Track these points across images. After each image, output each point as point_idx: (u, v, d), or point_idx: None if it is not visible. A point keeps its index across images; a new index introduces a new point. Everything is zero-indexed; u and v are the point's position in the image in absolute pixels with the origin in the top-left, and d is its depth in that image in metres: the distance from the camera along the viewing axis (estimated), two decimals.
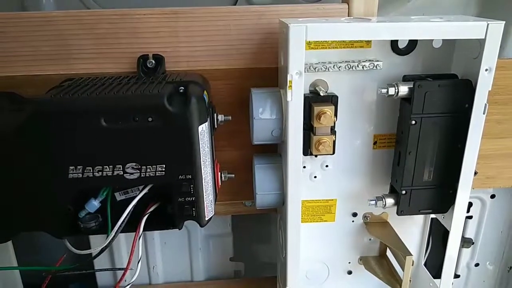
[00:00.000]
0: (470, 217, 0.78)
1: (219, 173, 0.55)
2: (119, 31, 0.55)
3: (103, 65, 0.56)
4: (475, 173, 0.54)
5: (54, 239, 0.77)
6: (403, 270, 0.58)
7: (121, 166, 0.45)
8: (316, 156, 0.57)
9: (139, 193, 0.49)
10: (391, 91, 0.51)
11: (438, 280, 0.60)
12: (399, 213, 0.56)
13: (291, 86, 0.47)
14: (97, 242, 0.68)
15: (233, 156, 0.62)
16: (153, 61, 0.55)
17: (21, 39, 0.54)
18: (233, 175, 0.57)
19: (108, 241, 0.47)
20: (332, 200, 0.61)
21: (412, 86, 0.50)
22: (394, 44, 0.54)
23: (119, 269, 0.54)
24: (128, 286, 0.50)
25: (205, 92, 0.48)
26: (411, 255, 0.56)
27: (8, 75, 0.55)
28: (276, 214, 0.66)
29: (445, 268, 0.58)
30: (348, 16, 0.57)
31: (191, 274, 0.78)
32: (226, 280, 0.77)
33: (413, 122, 0.51)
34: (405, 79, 0.54)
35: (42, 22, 0.54)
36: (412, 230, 0.65)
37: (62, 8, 0.62)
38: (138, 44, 0.55)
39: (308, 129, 0.53)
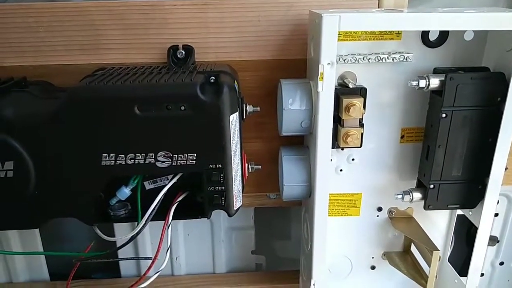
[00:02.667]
0: (496, 215, 0.77)
1: (246, 164, 0.55)
2: (149, 21, 0.55)
3: (133, 55, 0.56)
4: (506, 168, 0.53)
5: (78, 229, 0.78)
6: (428, 266, 0.58)
7: (153, 154, 0.46)
8: (342, 149, 0.57)
9: (169, 181, 0.49)
10: (422, 83, 0.50)
11: (462, 278, 0.59)
12: (427, 207, 0.55)
13: (322, 76, 0.47)
14: (121, 231, 0.70)
15: (258, 148, 0.63)
16: (183, 52, 0.56)
17: (54, 29, 0.55)
18: (260, 167, 0.57)
19: (139, 229, 0.48)
20: (357, 194, 0.61)
21: (443, 78, 0.50)
22: (424, 36, 0.53)
23: (146, 258, 0.54)
24: (156, 275, 0.51)
25: (235, 82, 0.49)
26: (438, 250, 0.56)
27: (41, 64, 0.56)
28: (299, 207, 0.66)
29: (472, 266, 0.58)
30: (379, 8, 0.57)
31: (213, 266, 0.78)
32: (248, 273, 0.77)
33: (444, 115, 0.51)
34: (436, 71, 0.53)
35: (75, 12, 0.54)
36: (437, 226, 0.64)
37: None
38: (168, 34, 0.56)
39: (336, 122, 0.52)
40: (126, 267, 0.77)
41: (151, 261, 0.70)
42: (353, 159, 0.58)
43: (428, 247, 0.57)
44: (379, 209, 0.62)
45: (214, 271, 0.78)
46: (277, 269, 0.81)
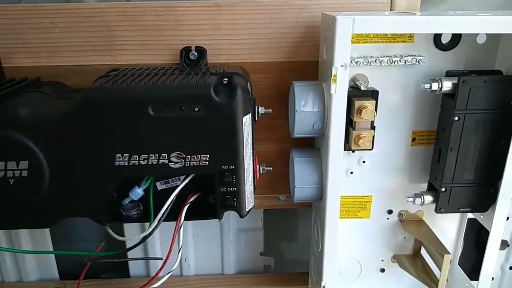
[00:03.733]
0: (507, 218, 0.76)
1: (258, 166, 0.55)
2: (163, 23, 0.56)
3: (146, 57, 0.57)
4: None
5: (87, 229, 0.79)
6: (439, 269, 0.57)
7: (166, 155, 0.46)
8: (353, 151, 0.57)
9: (181, 182, 0.49)
10: (435, 86, 0.50)
11: (472, 281, 0.59)
12: (438, 210, 0.55)
13: (335, 79, 0.47)
14: (130, 231, 0.70)
15: (269, 149, 0.63)
16: (196, 53, 0.56)
17: (68, 30, 0.55)
18: (271, 168, 0.57)
19: (151, 229, 0.48)
20: (368, 196, 0.61)
21: (456, 81, 0.49)
22: (437, 39, 0.53)
23: (157, 258, 0.54)
24: (167, 275, 0.51)
25: (248, 83, 0.49)
26: (449, 253, 0.56)
27: (55, 64, 0.57)
28: (308, 209, 0.66)
29: (483, 270, 0.57)
30: (391, 10, 0.57)
31: (221, 267, 0.78)
32: (257, 275, 0.77)
33: (456, 118, 0.50)
34: (448, 74, 0.53)
35: (89, 14, 0.55)
36: (447, 230, 0.64)
37: (104, 1, 0.63)
38: (181, 36, 0.56)
39: (347, 124, 0.52)
40: (135, 267, 0.77)
41: (160, 261, 0.70)
42: (364, 162, 0.58)
43: (439, 250, 0.57)
44: (390, 211, 0.62)
45: (222, 272, 0.78)
46: (285, 271, 0.81)
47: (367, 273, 0.66)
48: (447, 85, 0.50)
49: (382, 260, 0.65)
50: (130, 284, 0.74)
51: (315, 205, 0.63)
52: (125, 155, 0.46)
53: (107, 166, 0.46)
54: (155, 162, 0.46)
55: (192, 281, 0.76)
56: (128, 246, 0.66)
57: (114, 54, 0.57)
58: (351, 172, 0.59)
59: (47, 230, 0.72)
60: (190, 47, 0.56)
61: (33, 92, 0.49)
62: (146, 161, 0.46)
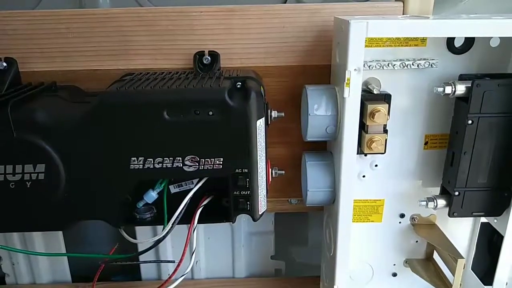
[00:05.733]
0: None
1: (270, 169, 0.55)
2: (176, 28, 0.56)
3: (160, 61, 0.57)
4: None
5: (99, 232, 0.79)
6: (452, 274, 0.57)
7: (180, 158, 0.46)
8: (365, 155, 0.57)
9: (195, 185, 0.50)
10: (448, 89, 0.50)
11: (486, 286, 0.58)
12: (451, 214, 0.55)
13: (349, 82, 0.47)
14: (142, 234, 0.70)
15: (281, 153, 0.63)
16: (209, 58, 0.56)
17: (83, 35, 0.56)
18: (283, 172, 0.58)
19: (166, 232, 0.48)
20: (380, 200, 0.61)
21: (469, 85, 0.49)
22: (450, 42, 0.53)
23: (170, 261, 0.55)
24: (181, 278, 0.51)
25: (262, 87, 0.49)
26: (463, 258, 0.55)
27: (70, 69, 0.57)
28: (318, 212, 0.66)
29: (497, 275, 0.57)
30: (403, 14, 0.57)
31: (232, 270, 0.78)
32: (268, 278, 0.77)
33: (470, 122, 0.50)
34: (462, 78, 0.53)
35: (104, 19, 0.55)
36: (459, 234, 0.64)
37: (117, 6, 0.64)
38: (194, 41, 0.57)
39: (360, 128, 0.52)
40: (147, 270, 0.77)
41: (171, 264, 0.71)
42: (376, 165, 0.58)
43: (453, 255, 0.56)
44: (402, 215, 0.62)
45: (233, 275, 0.78)
46: (296, 275, 0.81)
47: (379, 277, 0.65)
48: (461, 88, 0.50)
49: (394, 265, 0.65)
50: (141, 287, 0.74)
51: (326, 209, 0.63)
52: (140, 158, 0.46)
53: (122, 170, 0.47)
54: (169, 166, 0.47)
55: (203, 284, 0.76)
56: (141, 249, 0.67)
57: (128, 58, 0.57)
58: (363, 176, 0.59)
59: (60, 233, 0.73)
60: (204, 51, 0.57)
61: (49, 96, 0.50)
62: (160, 164, 0.46)
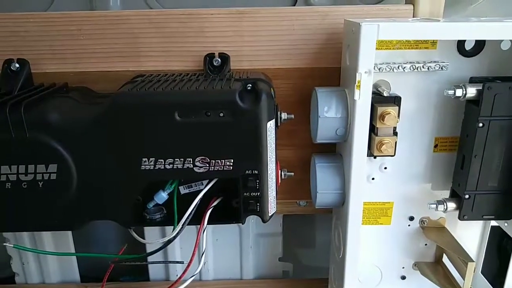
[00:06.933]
0: None
1: (280, 171, 0.55)
2: (187, 30, 0.56)
3: (171, 63, 0.58)
4: None
5: (108, 232, 0.80)
6: (462, 277, 0.57)
7: (191, 159, 0.47)
8: (375, 157, 0.57)
9: (205, 186, 0.50)
10: (459, 92, 0.50)
11: None
12: (461, 218, 0.55)
13: (359, 85, 0.47)
14: (150, 235, 0.71)
15: (289, 155, 0.63)
16: (219, 60, 0.57)
17: (94, 36, 0.57)
18: (292, 174, 0.58)
19: (175, 233, 0.48)
20: (389, 203, 0.60)
21: (480, 88, 0.49)
22: (460, 45, 0.53)
23: (179, 262, 0.55)
24: (191, 279, 0.51)
25: (272, 89, 0.49)
26: (473, 261, 0.55)
27: (81, 70, 0.58)
28: (326, 215, 0.66)
29: (508, 279, 0.57)
30: (413, 17, 0.57)
31: (240, 272, 0.78)
32: (275, 280, 0.77)
33: (481, 124, 0.50)
34: (472, 81, 0.53)
35: (115, 21, 0.56)
36: (469, 237, 0.63)
37: (127, 8, 0.64)
38: (204, 43, 0.57)
39: (369, 130, 0.52)
40: (155, 271, 0.78)
41: (179, 265, 0.71)
42: (385, 168, 0.58)
43: (463, 258, 0.56)
44: (411, 218, 0.61)
45: (241, 277, 0.79)
46: (303, 277, 0.81)
47: (387, 281, 0.65)
48: (472, 91, 0.50)
49: (403, 267, 0.65)
50: None
51: (335, 211, 0.63)
52: (151, 159, 0.47)
53: (133, 170, 0.47)
54: (180, 167, 0.47)
55: (211, 285, 0.76)
56: (149, 249, 0.67)
57: (139, 60, 0.58)
58: (373, 178, 0.58)
59: (69, 233, 0.74)
60: (214, 53, 0.57)
61: (61, 97, 0.51)
62: (171, 165, 0.47)
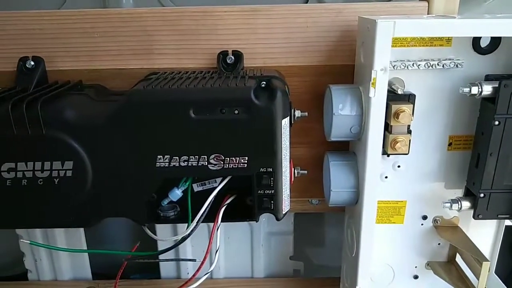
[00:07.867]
0: None
1: (293, 169, 0.55)
2: (200, 27, 0.57)
3: (184, 60, 0.58)
4: None
5: (120, 230, 0.80)
6: (476, 277, 0.56)
7: (206, 157, 0.47)
8: (388, 155, 0.57)
9: (219, 184, 0.50)
10: (474, 90, 0.50)
11: None
12: (476, 217, 0.54)
13: (374, 82, 0.47)
14: (162, 232, 0.71)
15: (303, 153, 0.63)
16: (233, 57, 0.57)
17: (108, 34, 0.57)
18: (306, 172, 0.57)
19: (190, 230, 0.48)
20: (402, 201, 0.60)
21: (496, 85, 0.49)
22: (475, 42, 0.52)
23: (191, 260, 0.55)
24: (205, 277, 0.51)
25: (286, 86, 0.49)
26: (488, 261, 0.54)
27: (95, 68, 0.58)
28: (338, 213, 0.66)
29: None
30: (428, 14, 0.56)
31: (251, 270, 0.78)
32: (286, 279, 0.77)
33: (497, 122, 0.50)
34: (488, 78, 0.52)
35: (129, 19, 0.56)
36: (483, 236, 0.63)
37: (140, 6, 0.64)
38: (217, 40, 0.57)
39: (384, 128, 0.52)
40: (166, 269, 0.78)
41: (191, 263, 0.71)
42: (399, 166, 0.58)
43: (477, 257, 0.56)
44: (424, 217, 0.61)
45: (252, 275, 0.78)
46: (314, 276, 0.80)
47: (400, 280, 0.65)
48: (487, 89, 0.49)
49: (416, 267, 0.64)
50: (161, 285, 0.75)
51: (348, 210, 0.63)
52: (166, 156, 0.47)
53: (148, 168, 0.47)
54: (194, 164, 0.47)
55: (222, 283, 0.76)
56: (161, 247, 0.67)
57: (152, 58, 0.58)
58: (386, 177, 0.58)
59: (82, 230, 0.74)
60: (227, 51, 0.57)
61: (77, 95, 0.51)
62: (186, 162, 0.47)
